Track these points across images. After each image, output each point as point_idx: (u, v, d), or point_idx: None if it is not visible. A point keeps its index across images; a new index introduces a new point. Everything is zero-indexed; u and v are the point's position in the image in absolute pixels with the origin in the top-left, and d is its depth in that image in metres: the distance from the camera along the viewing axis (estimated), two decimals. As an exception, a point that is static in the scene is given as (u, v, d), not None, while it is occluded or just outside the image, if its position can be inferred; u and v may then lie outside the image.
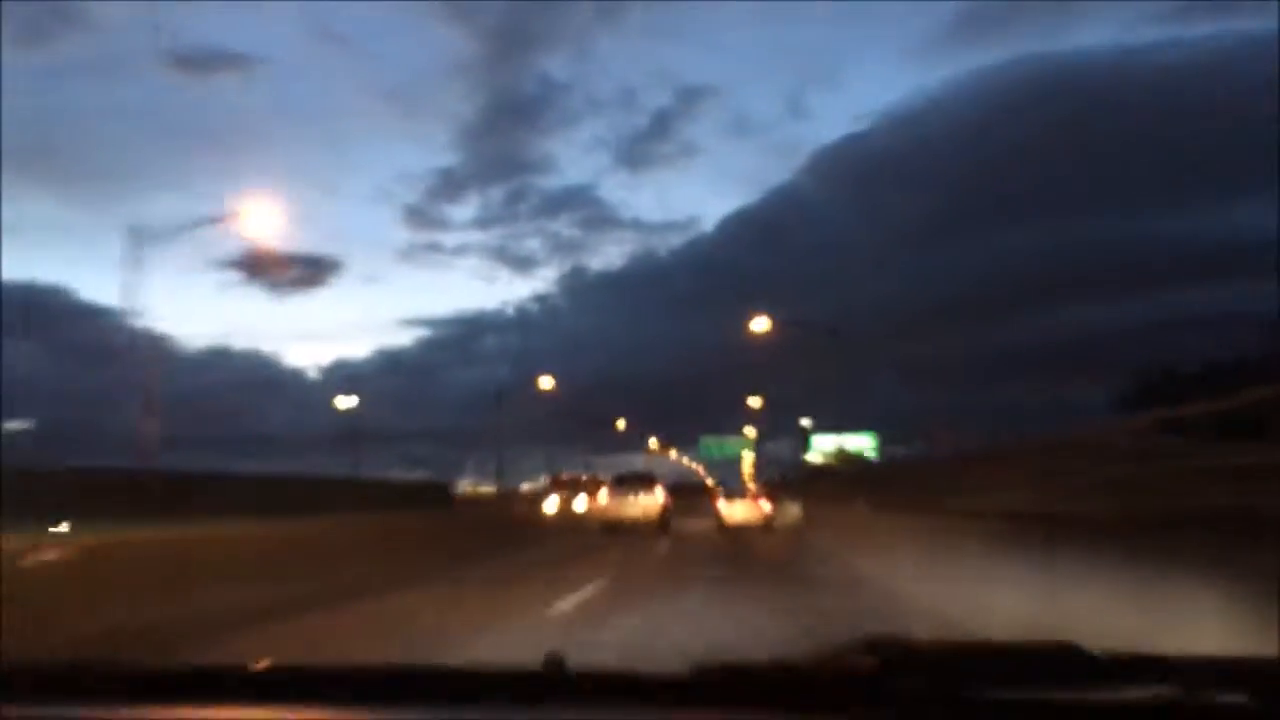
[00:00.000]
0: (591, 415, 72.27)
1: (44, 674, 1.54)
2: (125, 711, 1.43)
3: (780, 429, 71.75)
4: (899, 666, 1.45)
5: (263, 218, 23.85)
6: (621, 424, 75.02)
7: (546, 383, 53.86)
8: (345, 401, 54.95)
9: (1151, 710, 1.26)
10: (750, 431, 71.77)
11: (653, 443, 78.09)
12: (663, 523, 27.23)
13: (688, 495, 37.48)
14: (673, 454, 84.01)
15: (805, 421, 59.45)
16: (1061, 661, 1.40)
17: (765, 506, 28.37)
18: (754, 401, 62.87)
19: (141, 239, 22.32)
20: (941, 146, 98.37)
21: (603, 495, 30.82)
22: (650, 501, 27.58)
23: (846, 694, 1.37)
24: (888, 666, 1.45)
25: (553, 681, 1.47)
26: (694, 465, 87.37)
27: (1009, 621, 6.81)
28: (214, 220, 24.02)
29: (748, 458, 74.08)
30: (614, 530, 26.66)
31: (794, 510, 31.21)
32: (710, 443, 70.56)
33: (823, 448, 57.96)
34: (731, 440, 70.85)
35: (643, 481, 29.42)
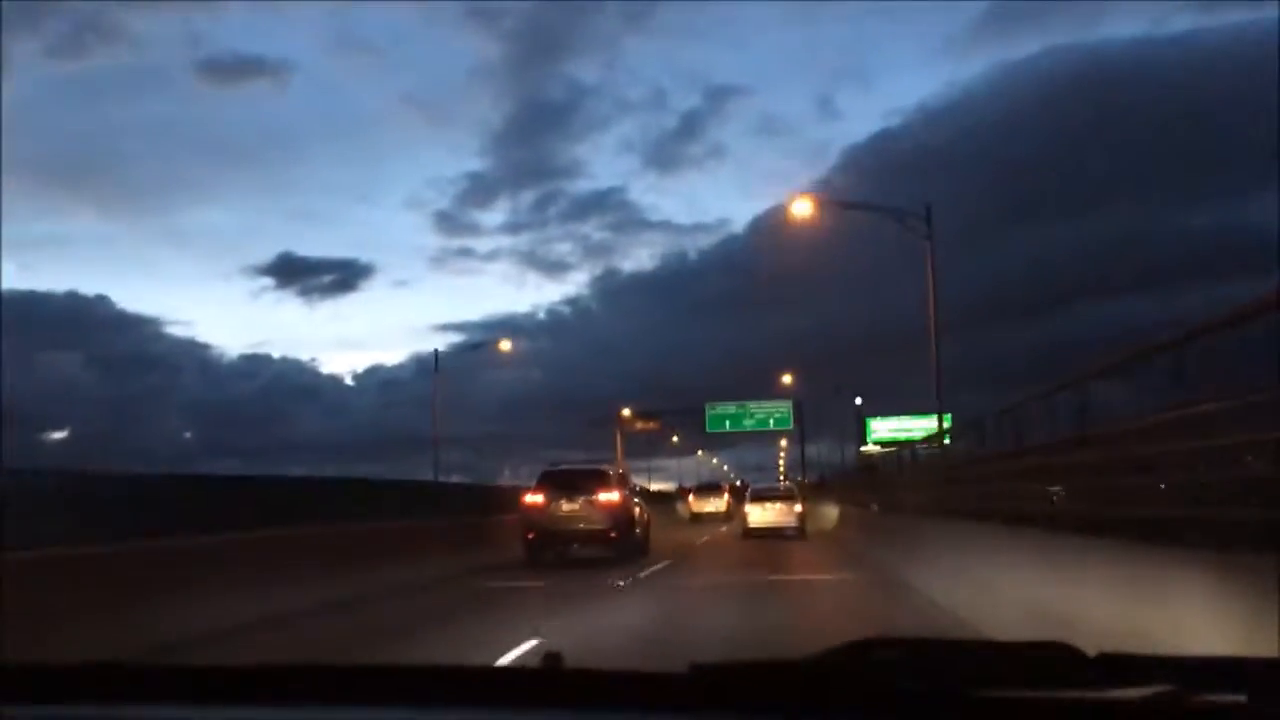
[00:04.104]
0: (625, 417, 69.55)
1: (44, 674, 1.57)
2: (125, 711, 1.45)
3: (827, 425, 63.72)
4: (897, 666, 1.45)
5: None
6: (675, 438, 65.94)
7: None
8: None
9: (1149, 710, 1.25)
10: (786, 417, 50.32)
11: (625, 412, 53.56)
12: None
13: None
14: (674, 439, 69.61)
15: (859, 400, 50.57)
16: (1060, 661, 1.40)
17: (797, 509, 26.90)
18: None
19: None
20: (973, 140, 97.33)
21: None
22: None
23: (845, 693, 1.37)
24: (886, 666, 1.45)
25: (551, 681, 1.48)
26: (725, 467, 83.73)
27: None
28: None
29: (781, 446, 64.26)
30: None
31: (830, 513, 30.74)
32: (721, 412, 49.49)
33: (882, 435, 48.51)
34: (756, 407, 49.52)
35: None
